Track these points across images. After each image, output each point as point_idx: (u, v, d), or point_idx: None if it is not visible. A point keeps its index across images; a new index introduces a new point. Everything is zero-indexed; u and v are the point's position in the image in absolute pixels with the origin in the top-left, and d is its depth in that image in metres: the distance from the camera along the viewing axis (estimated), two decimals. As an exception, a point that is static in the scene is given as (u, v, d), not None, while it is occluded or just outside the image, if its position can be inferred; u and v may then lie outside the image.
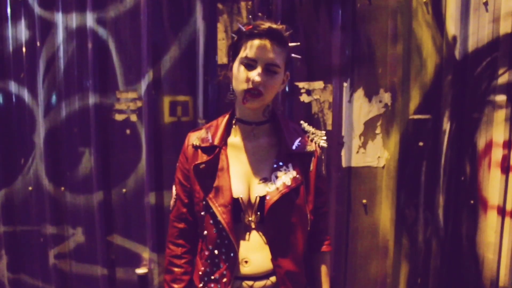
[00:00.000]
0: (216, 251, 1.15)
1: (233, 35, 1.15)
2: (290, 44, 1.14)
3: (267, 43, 1.05)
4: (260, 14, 1.18)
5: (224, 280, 1.14)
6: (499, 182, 1.57)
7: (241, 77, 1.08)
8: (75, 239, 2.00)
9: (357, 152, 1.69)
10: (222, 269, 1.14)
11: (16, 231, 2.08)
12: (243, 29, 1.09)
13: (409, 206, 1.68)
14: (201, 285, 1.20)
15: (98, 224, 1.92)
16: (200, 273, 1.20)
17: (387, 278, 1.72)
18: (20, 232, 2.08)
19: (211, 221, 1.14)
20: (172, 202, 1.29)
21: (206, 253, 1.18)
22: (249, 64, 1.07)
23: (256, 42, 1.05)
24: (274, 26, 1.07)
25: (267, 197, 1.11)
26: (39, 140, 1.96)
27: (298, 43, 1.18)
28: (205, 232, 1.16)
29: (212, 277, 1.16)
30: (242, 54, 1.08)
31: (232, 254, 1.13)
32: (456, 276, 1.68)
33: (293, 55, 1.17)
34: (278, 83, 1.11)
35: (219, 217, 1.11)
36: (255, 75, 1.05)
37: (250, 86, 1.06)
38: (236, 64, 1.11)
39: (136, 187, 1.89)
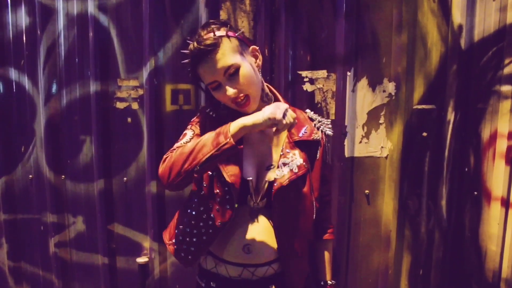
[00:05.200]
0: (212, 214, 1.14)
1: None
2: (220, 34, 1.06)
3: (206, 63, 1.05)
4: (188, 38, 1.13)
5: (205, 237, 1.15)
6: (503, 174, 1.55)
7: (221, 99, 1.11)
8: (75, 227, 2.00)
9: (360, 142, 1.68)
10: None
11: (16, 219, 2.08)
12: (187, 61, 1.10)
13: (412, 197, 1.67)
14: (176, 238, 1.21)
15: (98, 213, 1.91)
16: (182, 226, 1.21)
17: (389, 269, 1.72)
18: (20, 220, 2.08)
19: (218, 183, 1.12)
20: (179, 143, 1.14)
21: (199, 211, 1.17)
22: (216, 86, 1.08)
23: (200, 69, 1.07)
24: (201, 45, 1.03)
25: (275, 184, 1.11)
26: (40, 128, 1.95)
27: (227, 27, 1.10)
28: (216, 190, 1.14)
29: (195, 239, 1.17)
30: (204, 81, 1.11)
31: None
32: (458, 267, 1.67)
33: (229, 33, 1.08)
34: (248, 72, 1.07)
35: (227, 179, 1.09)
36: (226, 92, 1.06)
37: (232, 102, 1.08)
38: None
39: (137, 175, 1.88)
